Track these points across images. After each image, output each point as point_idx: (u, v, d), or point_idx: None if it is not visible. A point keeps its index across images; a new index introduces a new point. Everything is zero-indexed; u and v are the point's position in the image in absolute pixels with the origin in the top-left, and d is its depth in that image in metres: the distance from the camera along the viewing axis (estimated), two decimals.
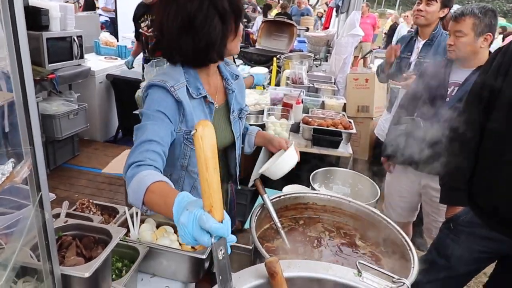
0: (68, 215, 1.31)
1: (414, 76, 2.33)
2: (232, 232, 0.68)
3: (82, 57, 4.17)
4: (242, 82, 1.49)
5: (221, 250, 0.67)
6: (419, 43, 2.59)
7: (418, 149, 2.07)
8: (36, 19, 3.58)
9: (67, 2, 6.36)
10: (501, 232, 1.46)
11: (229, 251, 0.69)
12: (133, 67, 4.45)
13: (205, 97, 1.28)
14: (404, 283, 0.77)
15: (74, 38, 4.04)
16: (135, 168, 0.98)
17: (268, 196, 1.36)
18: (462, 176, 1.53)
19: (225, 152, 1.49)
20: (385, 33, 11.64)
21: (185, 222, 0.67)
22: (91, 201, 1.44)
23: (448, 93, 2.00)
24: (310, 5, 18.48)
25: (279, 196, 1.45)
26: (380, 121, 3.04)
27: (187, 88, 1.23)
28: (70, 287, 0.86)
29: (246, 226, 2.05)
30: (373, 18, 10.13)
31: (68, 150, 4.08)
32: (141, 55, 4.26)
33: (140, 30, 3.91)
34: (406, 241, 1.21)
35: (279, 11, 10.97)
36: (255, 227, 1.23)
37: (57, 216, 1.28)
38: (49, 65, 3.73)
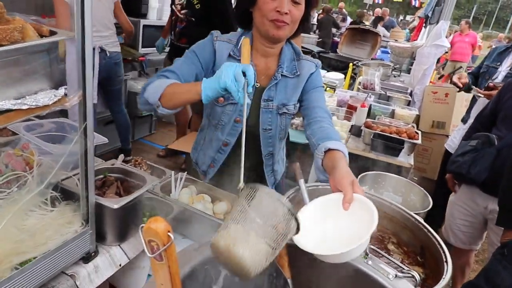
0: None
1: (500, 87, 2.10)
2: None
3: None
4: (302, 79, 1.34)
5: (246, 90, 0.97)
6: None
7: (488, 169, 1.87)
8: (137, 7, 4.02)
9: None
10: None
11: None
12: (165, 51, 3.95)
13: None
14: (413, 275, 0.71)
15: None
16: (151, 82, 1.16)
17: (304, 182, 1.35)
18: None
19: (256, 145, 1.39)
20: None
21: (228, 65, 0.97)
22: (144, 160, 1.58)
23: None
24: (407, 21, 17.59)
25: (317, 185, 1.43)
26: (453, 134, 2.80)
27: (233, 47, 1.28)
28: (103, 216, 0.97)
29: None
30: (473, 37, 9.20)
31: (146, 127, 4.48)
32: None
33: (173, 7, 3.37)
34: (443, 251, 1.11)
35: (355, 19, 10.55)
36: None
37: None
38: (142, 49, 4.13)
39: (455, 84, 2.51)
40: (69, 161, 1.03)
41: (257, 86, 1.31)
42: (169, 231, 0.54)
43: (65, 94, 0.77)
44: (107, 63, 3.05)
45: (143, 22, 4.05)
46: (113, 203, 0.94)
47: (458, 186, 2.14)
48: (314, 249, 0.74)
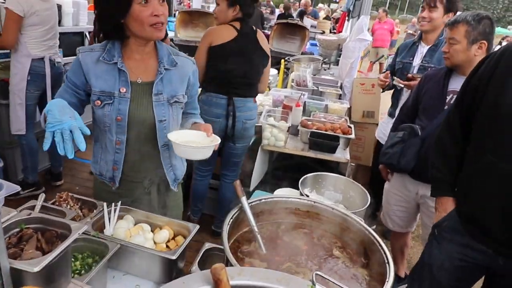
0: (43, 208, 1.31)
1: (419, 78, 2.28)
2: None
3: None
4: (185, 72, 1.50)
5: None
6: (423, 48, 2.55)
7: (415, 158, 2.01)
8: None
9: None
10: (479, 241, 1.40)
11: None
12: None
13: (116, 63, 1.36)
14: None
15: (85, 34, 4.11)
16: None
17: (246, 199, 1.32)
18: (447, 169, 1.54)
19: (152, 137, 1.49)
20: None
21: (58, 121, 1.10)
22: (70, 194, 1.44)
23: (447, 101, 1.93)
24: (331, 9, 18.41)
25: (260, 199, 1.41)
26: (380, 124, 2.99)
27: (101, 53, 1.36)
28: (21, 282, 0.84)
29: None
30: (391, 24, 9.98)
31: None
32: None
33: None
34: (385, 253, 1.15)
35: (282, 11, 10.79)
36: (227, 230, 1.19)
37: (32, 208, 1.28)
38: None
39: (381, 85, 2.71)
40: None
41: (139, 82, 1.42)
42: None
43: None
44: (54, 73, 3.04)
45: (58, 29, 3.70)
46: (32, 265, 0.82)
47: (391, 174, 2.27)
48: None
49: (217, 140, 1.41)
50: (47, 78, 2.96)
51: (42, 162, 3.50)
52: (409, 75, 2.50)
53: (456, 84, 1.90)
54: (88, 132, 1.14)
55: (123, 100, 1.39)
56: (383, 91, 2.83)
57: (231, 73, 2.34)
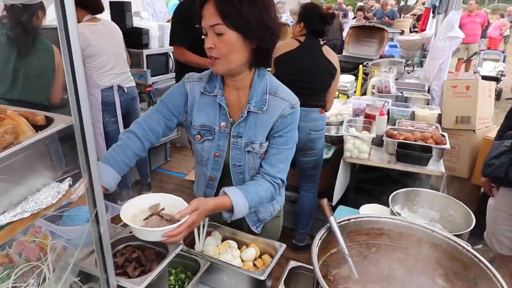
0: None
1: None
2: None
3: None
4: (272, 117, 1.28)
5: None
6: None
7: None
8: (138, 38, 4.04)
9: (169, 21, 6.99)
10: None
11: None
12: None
13: (216, 96, 1.29)
14: None
15: (169, 54, 4.43)
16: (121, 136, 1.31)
17: (335, 219, 1.26)
18: None
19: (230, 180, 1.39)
20: None
21: None
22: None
23: None
24: (408, 6, 17.23)
25: (349, 219, 1.33)
26: None
27: (205, 84, 1.31)
28: None
29: None
30: (483, 16, 8.96)
31: (161, 155, 4.46)
32: None
33: None
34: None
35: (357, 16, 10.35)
36: (317, 252, 1.14)
37: None
38: (149, 78, 4.12)
39: None
40: (85, 241, 0.98)
41: (230, 121, 1.31)
42: None
43: (69, 185, 0.71)
44: (125, 99, 3.13)
45: (146, 52, 4.07)
46: (136, 284, 0.87)
47: (496, 189, 2.00)
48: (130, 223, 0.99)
49: (174, 225, 1.03)
50: (116, 107, 3.03)
51: (132, 175, 3.81)
52: None
53: None
54: None
55: (222, 136, 1.32)
56: None
57: (292, 80, 2.33)
